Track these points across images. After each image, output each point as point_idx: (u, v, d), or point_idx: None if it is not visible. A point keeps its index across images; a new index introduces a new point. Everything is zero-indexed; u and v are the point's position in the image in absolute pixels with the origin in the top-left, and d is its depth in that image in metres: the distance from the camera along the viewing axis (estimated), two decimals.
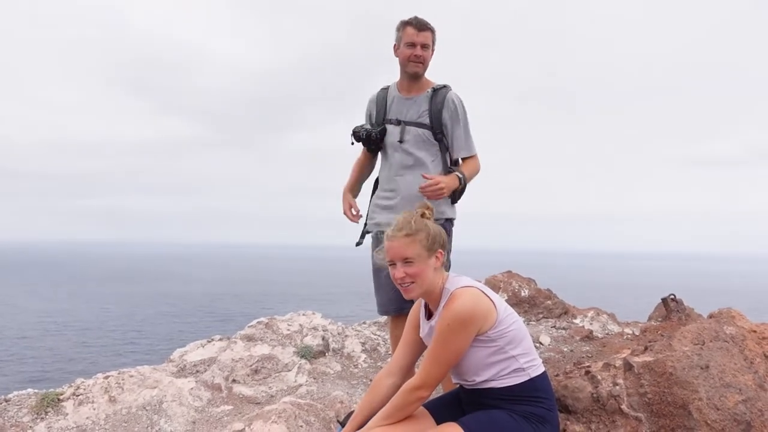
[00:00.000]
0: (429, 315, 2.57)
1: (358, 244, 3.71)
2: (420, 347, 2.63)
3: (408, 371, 2.65)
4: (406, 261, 2.43)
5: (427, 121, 3.46)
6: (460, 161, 3.55)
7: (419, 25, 3.41)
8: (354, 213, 3.72)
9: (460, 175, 3.43)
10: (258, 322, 5.31)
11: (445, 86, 3.53)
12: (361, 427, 2.53)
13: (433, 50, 3.50)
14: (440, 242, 2.49)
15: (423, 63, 3.46)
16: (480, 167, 3.57)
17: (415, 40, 3.41)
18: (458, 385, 2.64)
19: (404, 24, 3.45)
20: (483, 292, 2.41)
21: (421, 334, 2.61)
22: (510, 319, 2.43)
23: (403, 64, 3.50)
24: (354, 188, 3.81)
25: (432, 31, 3.45)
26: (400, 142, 3.49)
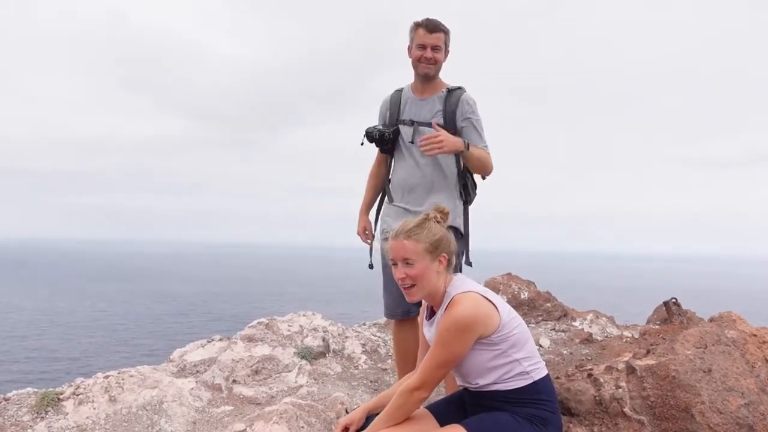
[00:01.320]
0: (430, 316, 2.57)
1: (371, 266, 3.71)
2: None
3: None
4: (407, 262, 2.43)
5: (441, 121, 3.45)
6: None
7: (430, 26, 3.39)
8: (368, 234, 3.73)
9: (467, 141, 3.37)
10: (258, 323, 5.29)
11: (459, 87, 3.52)
12: (372, 412, 2.57)
13: (447, 52, 3.48)
14: (445, 246, 2.48)
15: (434, 65, 3.45)
16: (492, 162, 3.51)
17: (425, 42, 3.40)
18: (461, 387, 2.65)
19: (416, 25, 3.43)
20: (485, 296, 2.40)
21: (425, 336, 2.62)
22: (513, 323, 2.42)
23: (415, 66, 3.49)
24: (370, 207, 3.81)
25: (445, 32, 3.43)
26: (412, 142, 3.49)
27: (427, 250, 2.43)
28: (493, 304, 2.39)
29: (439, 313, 2.46)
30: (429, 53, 3.41)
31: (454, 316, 2.32)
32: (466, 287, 2.43)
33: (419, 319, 2.72)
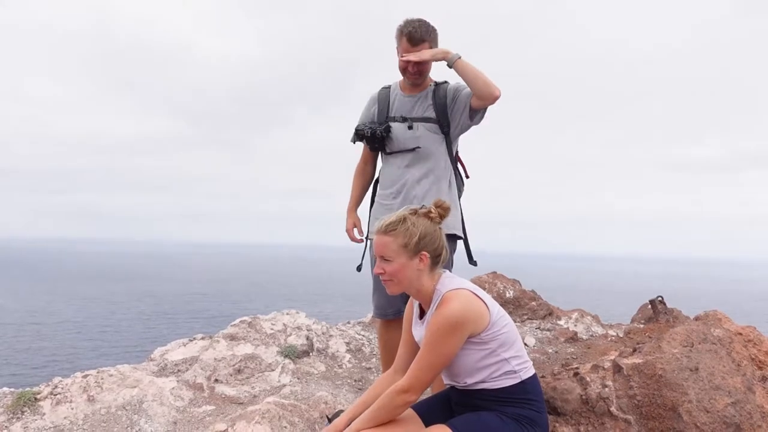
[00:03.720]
0: (422, 315, 2.53)
1: (359, 268, 3.63)
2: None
3: None
4: (384, 258, 2.40)
5: (433, 114, 3.41)
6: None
7: (414, 39, 3.28)
8: (357, 233, 3.65)
9: (455, 53, 3.22)
10: (241, 321, 5.23)
11: (446, 82, 3.48)
12: (355, 417, 2.50)
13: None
14: (427, 243, 2.41)
15: (420, 75, 3.38)
16: (497, 88, 3.18)
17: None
18: (447, 386, 2.60)
19: (401, 33, 3.32)
20: (475, 294, 2.35)
21: (414, 336, 2.57)
22: (503, 321, 2.39)
23: (401, 72, 3.44)
24: (358, 204, 3.74)
25: (428, 41, 3.29)
26: (406, 139, 3.44)
27: (403, 247, 2.38)
28: (483, 301, 2.35)
29: (430, 312, 2.41)
30: (413, 67, 3.33)
31: (445, 314, 2.28)
32: (456, 284, 2.39)
33: (406, 317, 2.66)
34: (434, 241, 2.44)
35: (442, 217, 2.47)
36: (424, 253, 2.40)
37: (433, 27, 3.34)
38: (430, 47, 3.31)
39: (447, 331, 2.27)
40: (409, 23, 3.31)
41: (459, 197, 3.58)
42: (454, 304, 2.29)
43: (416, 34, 3.28)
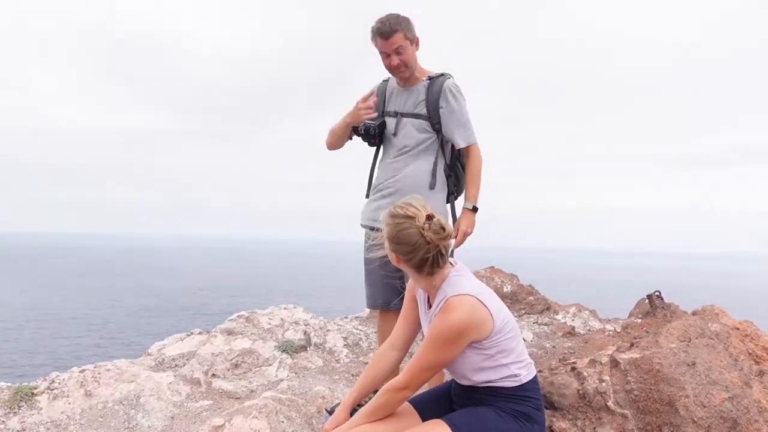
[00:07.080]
0: (429, 306, 2.50)
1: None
2: (419, 323, 2.60)
3: (409, 346, 2.64)
4: None
5: (424, 111, 3.38)
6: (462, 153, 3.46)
7: (384, 33, 3.25)
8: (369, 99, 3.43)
9: (469, 206, 3.39)
10: (238, 316, 5.23)
11: (442, 74, 3.42)
12: (355, 403, 2.52)
13: (414, 41, 3.33)
14: (396, 246, 2.35)
15: (405, 66, 3.34)
16: (481, 157, 3.44)
17: (386, 50, 3.29)
18: (444, 381, 2.61)
19: (373, 33, 3.29)
20: (480, 301, 2.30)
21: (422, 325, 2.56)
22: (506, 328, 2.36)
23: (389, 71, 3.41)
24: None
25: (400, 29, 3.24)
26: (395, 135, 3.43)
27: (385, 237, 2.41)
28: (488, 309, 2.30)
29: (434, 309, 2.39)
30: (394, 60, 3.30)
31: (447, 323, 2.25)
32: (461, 288, 2.33)
33: (409, 295, 2.63)
34: (404, 248, 2.34)
35: (431, 240, 2.30)
36: (393, 253, 2.38)
37: (404, 17, 3.29)
38: (404, 36, 3.26)
39: (447, 340, 2.26)
40: (377, 21, 3.28)
41: (458, 195, 3.56)
42: (457, 314, 2.24)
43: (385, 27, 3.25)
